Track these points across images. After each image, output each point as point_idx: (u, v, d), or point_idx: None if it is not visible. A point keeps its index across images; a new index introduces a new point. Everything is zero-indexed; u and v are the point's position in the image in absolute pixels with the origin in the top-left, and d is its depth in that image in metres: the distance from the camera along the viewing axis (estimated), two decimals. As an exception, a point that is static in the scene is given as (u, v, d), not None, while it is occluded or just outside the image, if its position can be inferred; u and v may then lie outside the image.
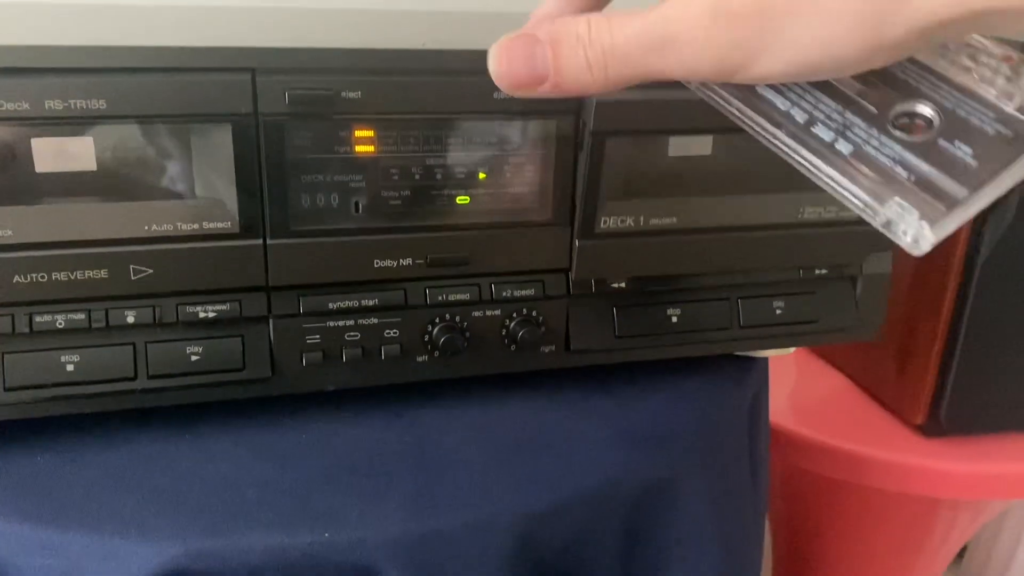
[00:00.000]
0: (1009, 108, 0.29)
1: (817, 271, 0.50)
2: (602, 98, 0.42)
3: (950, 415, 0.72)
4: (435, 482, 0.41)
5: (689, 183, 0.46)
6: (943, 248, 0.67)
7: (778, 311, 0.50)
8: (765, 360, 0.57)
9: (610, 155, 0.44)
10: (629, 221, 0.45)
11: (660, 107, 0.43)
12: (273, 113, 0.39)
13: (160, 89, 0.38)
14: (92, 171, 0.39)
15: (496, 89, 0.41)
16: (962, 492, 0.73)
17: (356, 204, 0.42)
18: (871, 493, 0.77)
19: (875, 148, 0.29)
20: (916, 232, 0.27)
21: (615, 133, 0.43)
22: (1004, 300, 0.68)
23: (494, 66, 0.33)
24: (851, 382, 0.83)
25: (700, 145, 0.45)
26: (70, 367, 0.41)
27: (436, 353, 0.45)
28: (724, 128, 0.39)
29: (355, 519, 0.38)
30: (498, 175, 0.44)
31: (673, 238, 0.47)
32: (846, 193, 0.29)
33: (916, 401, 0.73)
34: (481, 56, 0.41)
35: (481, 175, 0.44)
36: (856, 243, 0.50)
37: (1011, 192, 0.67)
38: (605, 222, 0.45)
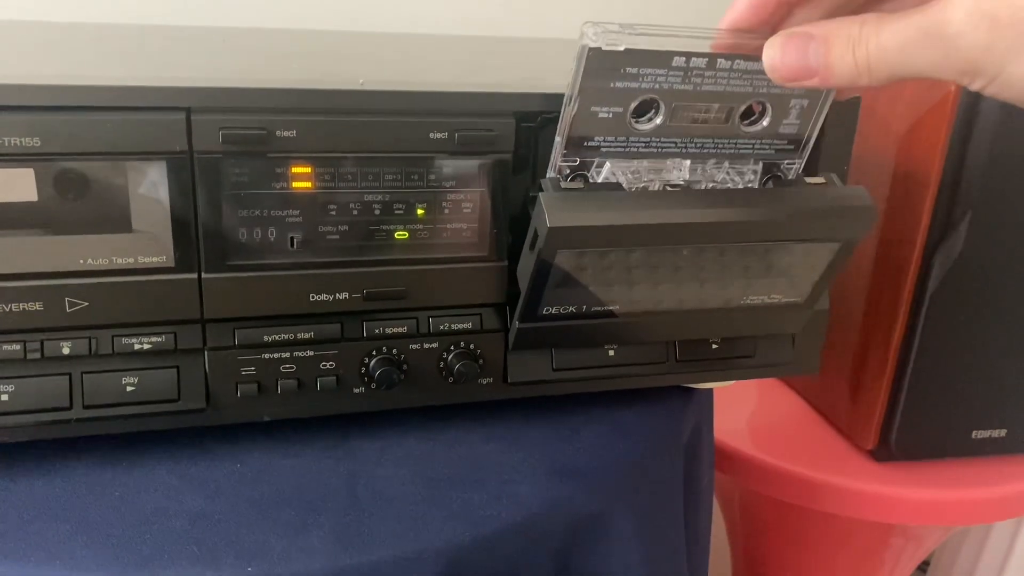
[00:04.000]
0: None
1: (754, 309, 0.50)
2: (555, 223, 0.40)
3: (900, 441, 0.73)
4: (364, 515, 0.41)
5: (632, 279, 0.46)
6: (895, 279, 0.68)
7: (714, 346, 0.50)
8: (709, 392, 0.57)
9: (558, 265, 0.43)
10: (571, 309, 0.46)
11: (607, 231, 0.42)
12: (207, 151, 0.40)
13: (95, 127, 0.38)
14: (32, 202, 0.40)
15: (433, 129, 0.43)
16: (910, 518, 0.74)
17: (292, 239, 0.43)
18: (825, 518, 0.78)
19: None
20: None
21: (566, 247, 0.42)
22: (953, 330, 0.69)
23: (770, 57, 0.37)
24: (809, 406, 0.84)
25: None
26: (5, 397, 0.41)
27: (373, 385, 0.46)
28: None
29: (279, 553, 0.39)
30: (437, 211, 0.45)
31: (612, 321, 0.47)
32: None
33: (867, 426, 0.74)
34: (417, 97, 0.43)
35: (420, 211, 0.45)
36: (795, 317, 0.50)
37: (959, 227, 0.68)
38: (547, 310, 0.46)
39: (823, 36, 0.35)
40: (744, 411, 0.85)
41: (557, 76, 0.57)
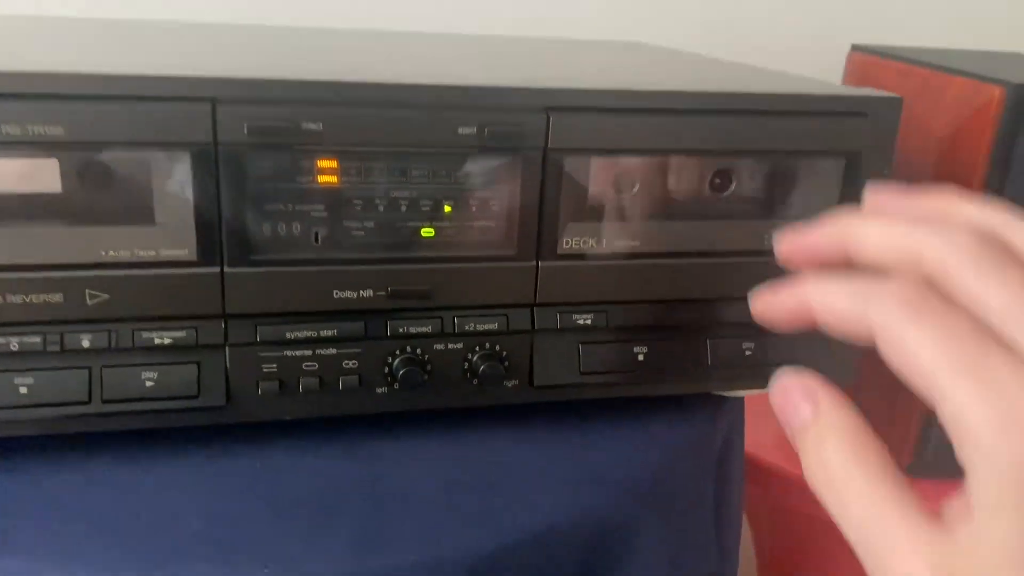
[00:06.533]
0: None
1: (789, 312, 0.49)
2: (559, 117, 0.42)
3: (935, 457, 0.71)
4: (385, 519, 0.40)
5: (650, 206, 0.46)
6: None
7: (747, 352, 0.49)
8: (740, 399, 0.56)
9: (569, 175, 0.44)
10: (591, 242, 0.45)
11: (620, 126, 0.44)
12: (232, 143, 0.39)
13: (119, 117, 0.38)
14: (56, 193, 0.39)
15: (461, 124, 0.42)
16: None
17: (316, 234, 0.42)
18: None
19: None
20: None
21: (573, 151, 0.44)
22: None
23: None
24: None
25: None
26: (23, 389, 0.41)
27: (396, 386, 0.45)
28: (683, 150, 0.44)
29: (298, 555, 0.38)
30: (464, 208, 0.44)
31: (634, 262, 0.46)
32: None
33: (903, 441, 0.72)
34: (446, 91, 0.42)
35: (447, 208, 0.44)
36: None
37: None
38: (567, 243, 0.45)
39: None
40: (775, 422, 0.83)
41: (590, 73, 0.56)
